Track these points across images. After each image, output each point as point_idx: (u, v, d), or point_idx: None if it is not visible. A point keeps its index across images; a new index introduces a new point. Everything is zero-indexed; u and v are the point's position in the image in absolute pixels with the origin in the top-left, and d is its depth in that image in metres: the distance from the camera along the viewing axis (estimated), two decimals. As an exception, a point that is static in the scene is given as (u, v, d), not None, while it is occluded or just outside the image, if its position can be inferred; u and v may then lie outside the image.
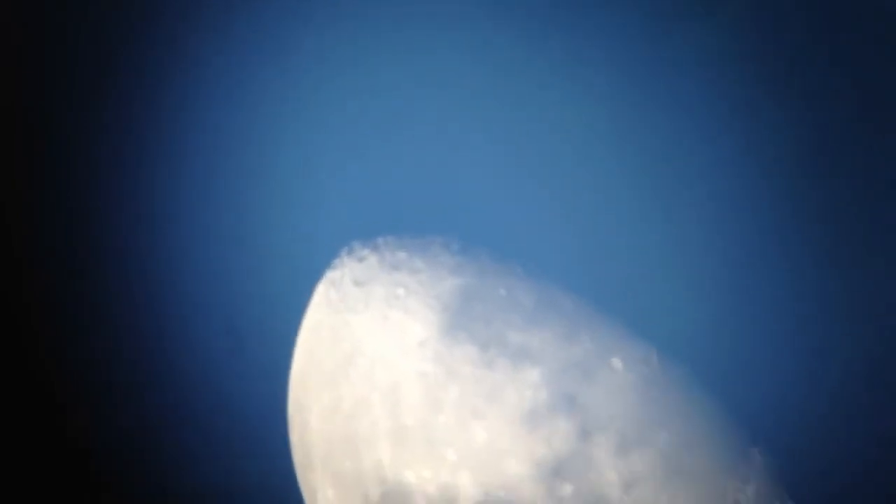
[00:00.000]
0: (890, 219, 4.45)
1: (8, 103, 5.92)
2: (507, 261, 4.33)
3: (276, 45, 5.13)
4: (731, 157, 4.35)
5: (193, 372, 5.56)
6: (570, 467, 4.16)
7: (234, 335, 5.38)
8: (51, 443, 6.10)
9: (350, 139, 4.71)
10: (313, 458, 4.65)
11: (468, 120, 4.45)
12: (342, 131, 4.74)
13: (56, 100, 5.90)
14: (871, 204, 4.46)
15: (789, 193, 4.35)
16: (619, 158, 4.30)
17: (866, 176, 4.45)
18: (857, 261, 4.37)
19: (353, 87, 4.73)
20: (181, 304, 5.58)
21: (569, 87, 4.39)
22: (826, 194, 4.39)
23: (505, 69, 4.45)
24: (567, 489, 4.17)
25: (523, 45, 4.46)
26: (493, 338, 4.23)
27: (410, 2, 4.65)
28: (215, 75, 5.39)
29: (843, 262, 4.35)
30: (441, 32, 4.57)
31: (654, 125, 4.32)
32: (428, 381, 4.27)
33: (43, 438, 6.10)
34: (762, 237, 4.28)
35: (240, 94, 5.28)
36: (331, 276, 4.67)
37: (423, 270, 4.40)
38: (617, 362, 4.17)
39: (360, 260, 4.57)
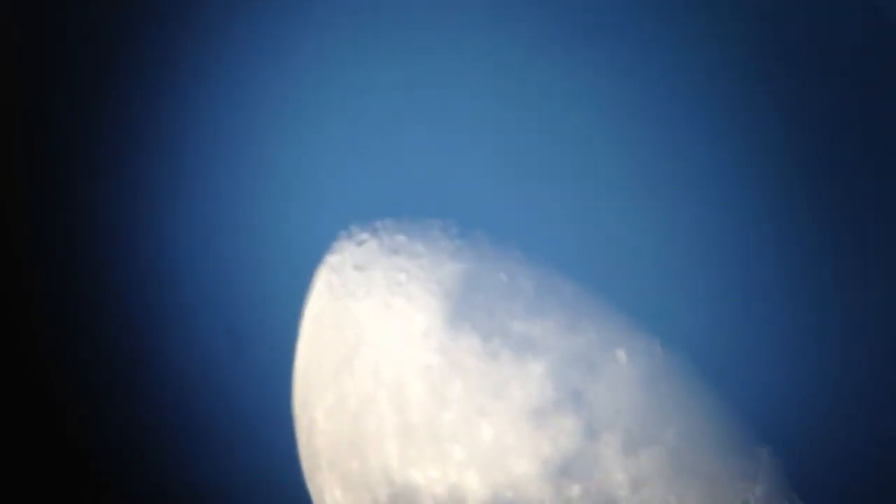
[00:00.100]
0: (892, 217, 4.46)
1: (8, 103, 5.92)
2: (506, 244, 4.32)
3: (276, 30, 5.13)
4: (733, 150, 4.36)
5: (193, 364, 5.55)
6: (577, 467, 4.16)
7: (235, 324, 5.37)
8: (51, 443, 6.09)
9: (347, 122, 4.71)
10: (320, 458, 4.64)
11: (464, 102, 4.46)
12: (339, 114, 4.74)
13: (56, 100, 5.90)
14: (873, 202, 4.47)
15: (796, 189, 4.36)
16: (623, 143, 4.31)
17: (868, 175, 4.47)
18: (863, 255, 4.38)
19: (351, 72, 4.74)
20: (179, 294, 5.58)
21: (570, 69, 4.40)
22: (831, 192, 4.40)
23: (506, 59, 4.45)
24: (575, 490, 4.16)
25: (523, 33, 4.47)
26: (496, 328, 4.23)
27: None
28: (213, 61, 5.39)
29: (847, 257, 4.36)
30: (443, 23, 4.58)
31: (662, 113, 4.33)
32: (433, 374, 4.27)
33: (43, 438, 6.09)
34: (768, 230, 4.29)
35: (236, 81, 5.28)
36: (331, 260, 4.66)
37: (423, 255, 4.39)
38: (621, 354, 4.17)
39: (360, 244, 4.56)
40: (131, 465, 5.94)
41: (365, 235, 4.56)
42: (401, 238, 4.47)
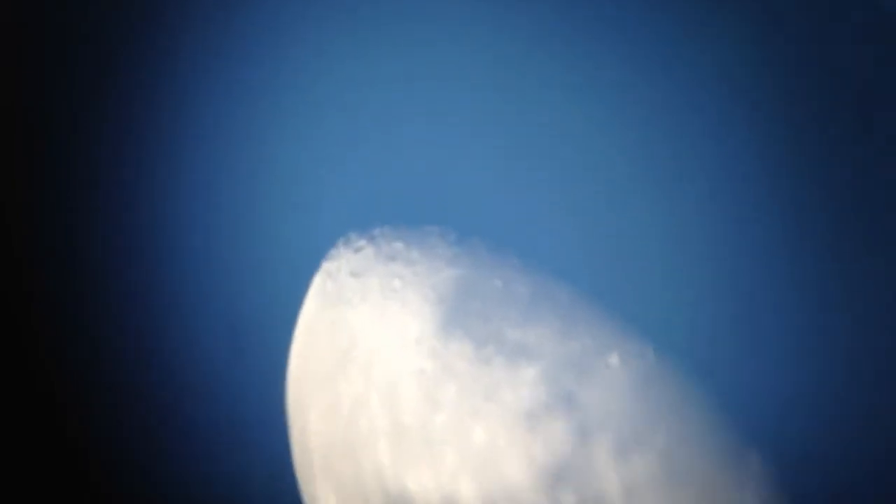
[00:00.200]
0: (891, 217, 4.44)
1: (8, 103, 5.93)
2: (503, 251, 4.32)
3: (273, 38, 5.13)
4: (732, 151, 4.34)
5: (190, 367, 5.56)
6: (569, 471, 4.15)
7: (232, 329, 5.37)
8: (51, 443, 6.10)
9: (346, 130, 4.70)
10: (313, 462, 4.64)
11: (463, 110, 4.45)
12: (338, 122, 4.74)
13: (56, 100, 5.90)
14: (873, 202, 4.45)
15: (790, 191, 4.34)
16: (618, 151, 4.29)
17: (868, 175, 4.45)
18: (859, 258, 4.36)
19: (349, 79, 4.73)
20: (177, 297, 5.58)
21: (567, 78, 4.38)
22: (828, 192, 4.38)
23: (503, 61, 4.44)
24: (567, 493, 4.15)
25: (522, 38, 4.46)
26: (491, 335, 4.23)
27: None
28: (213, 69, 5.39)
29: (845, 259, 4.34)
30: (439, 24, 4.57)
31: (653, 119, 4.32)
32: (426, 378, 4.27)
33: (43, 439, 6.10)
34: (763, 234, 4.27)
35: (235, 86, 5.28)
36: (327, 266, 4.66)
37: (419, 261, 4.39)
38: (614, 359, 4.16)
39: (357, 251, 4.57)
40: (129, 465, 5.95)
41: (362, 242, 4.57)
42: (398, 245, 4.47)
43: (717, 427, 4.16)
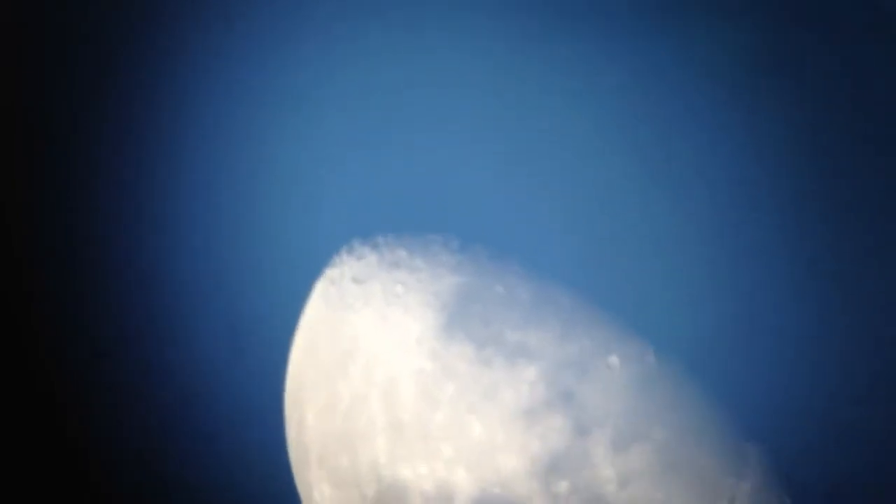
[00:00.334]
0: (890, 217, 4.45)
1: (8, 103, 5.93)
2: (505, 258, 4.33)
3: (276, 43, 5.13)
4: (730, 154, 4.35)
5: (193, 371, 5.57)
6: (565, 464, 4.17)
7: (233, 332, 5.38)
8: (51, 443, 6.10)
9: (349, 137, 4.71)
10: (310, 455, 4.66)
11: (466, 118, 4.46)
12: (341, 129, 4.75)
13: (56, 100, 5.91)
14: (871, 204, 4.45)
15: (788, 194, 4.35)
16: (618, 157, 4.30)
17: (868, 177, 4.45)
18: (855, 259, 4.37)
19: (352, 85, 4.74)
20: (180, 302, 5.59)
21: (568, 85, 4.39)
22: (827, 192, 4.38)
23: (507, 70, 4.45)
24: (563, 485, 4.17)
25: (523, 44, 4.46)
26: (491, 337, 4.24)
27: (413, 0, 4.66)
28: (214, 74, 5.40)
29: (842, 260, 4.35)
30: (442, 31, 4.58)
31: (653, 123, 4.33)
32: (425, 378, 4.28)
33: (43, 438, 6.10)
34: (761, 235, 4.28)
35: (238, 91, 5.28)
36: (330, 273, 4.68)
37: (422, 269, 4.41)
38: (614, 360, 4.17)
39: (360, 258, 4.58)
40: (128, 464, 5.96)
41: (366, 249, 4.58)
42: (401, 252, 4.49)
43: (716, 422, 4.18)
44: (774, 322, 4.21)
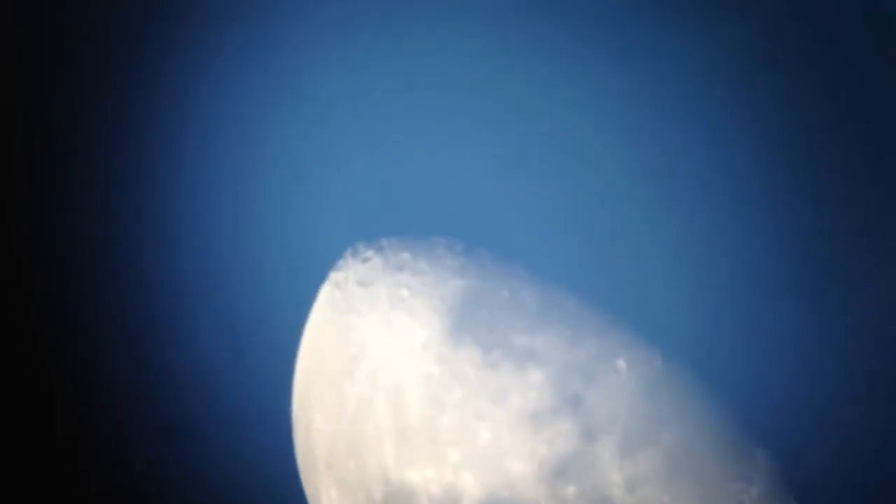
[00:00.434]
0: (890, 217, 4.46)
1: (8, 103, 5.92)
2: (510, 262, 4.34)
3: (278, 46, 5.12)
4: (731, 155, 4.36)
5: (196, 373, 5.57)
6: (573, 468, 4.18)
7: (233, 333, 5.38)
8: (50, 444, 6.10)
9: (353, 138, 4.71)
10: (317, 459, 4.67)
11: (470, 121, 4.46)
12: (345, 132, 4.75)
13: (56, 100, 5.90)
14: (869, 204, 4.46)
15: (792, 197, 4.36)
16: (624, 161, 4.31)
17: (867, 176, 4.46)
18: (855, 260, 4.39)
19: (355, 88, 4.73)
20: (183, 305, 5.58)
21: (573, 88, 4.39)
22: (827, 192, 4.39)
23: (509, 71, 4.45)
24: (570, 490, 4.18)
25: (527, 48, 4.47)
26: (498, 341, 4.25)
27: (415, 1, 4.65)
28: (216, 76, 5.39)
29: (842, 262, 4.36)
30: (446, 33, 4.57)
31: (659, 128, 4.33)
32: (432, 382, 4.29)
33: (43, 440, 6.10)
34: (762, 239, 4.29)
35: (241, 94, 5.28)
36: (335, 277, 4.68)
37: (426, 272, 4.41)
38: (621, 364, 4.19)
39: (364, 261, 4.59)
40: (130, 464, 5.96)
41: (370, 253, 4.59)
42: (405, 256, 4.49)
43: (723, 426, 4.19)
44: (778, 324, 4.23)
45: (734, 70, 4.41)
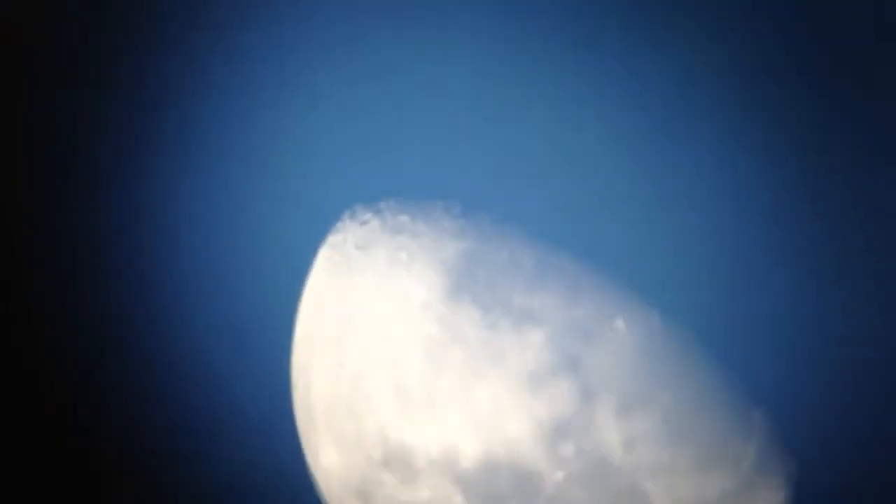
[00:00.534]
0: (890, 216, 4.48)
1: (8, 103, 5.95)
2: (508, 224, 4.36)
3: (275, 16, 5.16)
4: (739, 129, 4.39)
5: (195, 342, 5.55)
6: (571, 427, 4.18)
7: (237, 302, 5.37)
8: (51, 442, 6.08)
9: (351, 103, 4.74)
10: (316, 419, 4.66)
11: (468, 84, 4.49)
12: (343, 96, 4.78)
13: (56, 100, 5.93)
14: (871, 202, 4.49)
15: (800, 173, 4.39)
16: (622, 123, 4.34)
17: (867, 176, 4.49)
18: (857, 231, 4.41)
19: (354, 54, 4.77)
20: (181, 269, 5.58)
21: (571, 57, 4.43)
22: (828, 191, 4.42)
23: (506, 39, 4.49)
24: (569, 449, 4.18)
25: (526, 21, 4.51)
26: (497, 301, 4.26)
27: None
28: (212, 47, 5.42)
29: (836, 232, 4.38)
30: (445, 6, 4.62)
31: (654, 98, 4.37)
32: (431, 343, 4.30)
33: (43, 439, 6.08)
34: (761, 205, 4.31)
35: (241, 61, 5.31)
36: (333, 239, 4.70)
37: (425, 234, 4.43)
38: (619, 323, 4.19)
39: (363, 224, 4.60)
40: (133, 453, 5.94)
41: (368, 215, 4.61)
42: (404, 218, 4.51)
43: (721, 386, 4.19)
44: (779, 289, 4.24)
45: (738, 67, 4.45)
